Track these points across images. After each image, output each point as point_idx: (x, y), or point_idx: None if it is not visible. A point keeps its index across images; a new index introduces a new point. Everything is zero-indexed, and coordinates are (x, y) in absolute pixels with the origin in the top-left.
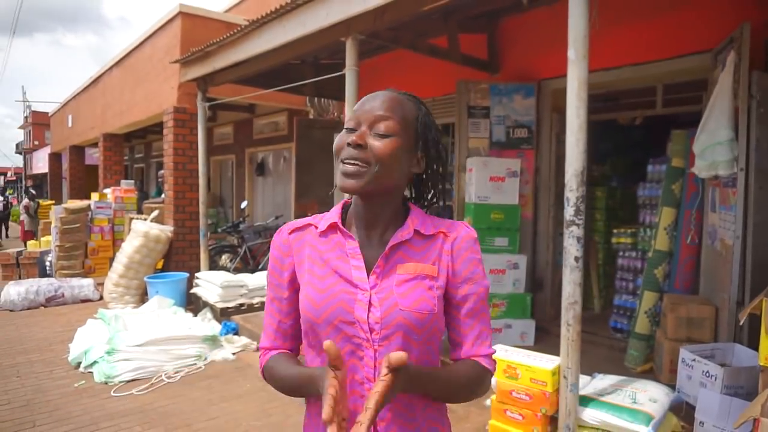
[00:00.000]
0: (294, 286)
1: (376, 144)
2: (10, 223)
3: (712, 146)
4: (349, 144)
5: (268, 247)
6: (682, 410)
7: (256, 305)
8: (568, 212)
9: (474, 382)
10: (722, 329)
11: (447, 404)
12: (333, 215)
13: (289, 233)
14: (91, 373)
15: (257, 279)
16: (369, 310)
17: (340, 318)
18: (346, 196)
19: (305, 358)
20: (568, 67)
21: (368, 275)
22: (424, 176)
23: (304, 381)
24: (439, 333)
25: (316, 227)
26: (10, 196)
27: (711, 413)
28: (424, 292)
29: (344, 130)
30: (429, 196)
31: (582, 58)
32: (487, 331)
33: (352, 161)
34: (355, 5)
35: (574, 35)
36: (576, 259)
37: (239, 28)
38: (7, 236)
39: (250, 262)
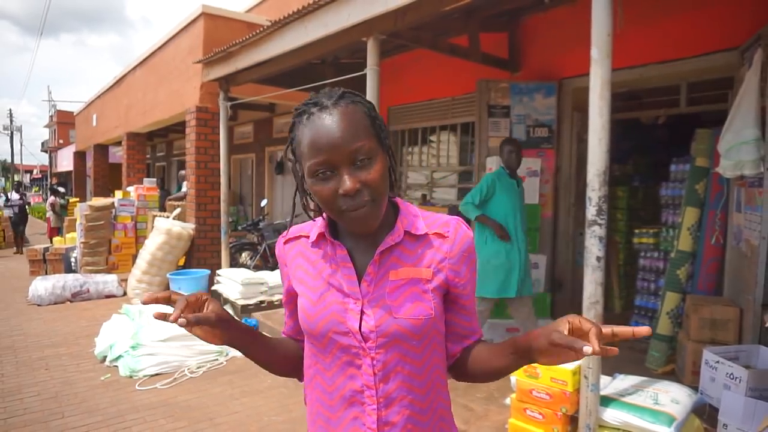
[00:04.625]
0: (292, 293)
1: (367, 176)
2: (30, 225)
3: (738, 145)
4: (345, 194)
5: None
6: (705, 412)
7: (276, 302)
8: (590, 212)
9: None
10: (747, 331)
11: (453, 405)
12: (322, 223)
13: (284, 243)
14: (117, 366)
15: (277, 277)
16: (361, 320)
17: (334, 329)
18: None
19: (305, 362)
20: (591, 66)
21: (360, 283)
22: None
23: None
24: (440, 334)
25: (308, 237)
26: (29, 195)
27: (735, 416)
28: (419, 297)
29: (314, 178)
30: (396, 181)
31: (605, 57)
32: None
33: (359, 207)
34: (376, 6)
35: (597, 34)
36: (598, 258)
37: (262, 29)
38: (21, 250)
39: (270, 260)
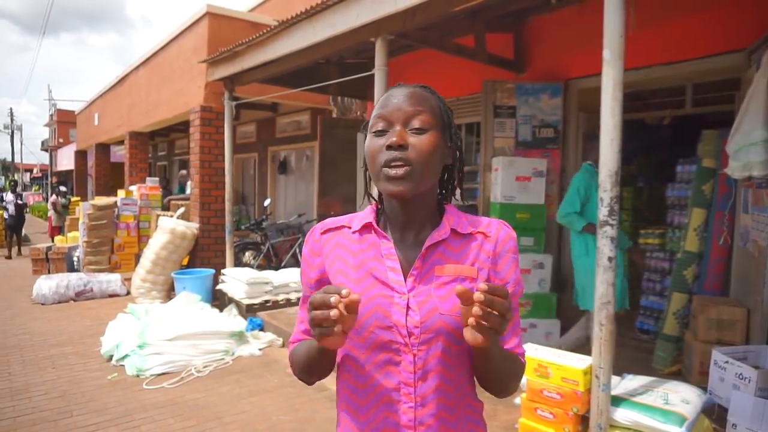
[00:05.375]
0: (321, 287)
1: (416, 141)
2: (31, 224)
3: (747, 147)
4: (390, 146)
5: (291, 245)
6: (714, 412)
7: (281, 302)
8: (602, 212)
9: (519, 371)
10: (754, 332)
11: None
12: (367, 215)
13: (322, 233)
14: (123, 366)
15: (282, 276)
16: (407, 314)
17: (377, 323)
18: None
19: (337, 359)
20: (603, 67)
21: (404, 277)
22: (451, 167)
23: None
24: None
25: (350, 228)
26: (26, 195)
27: (744, 416)
28: None
29: (372, 134)
30: (455, 187)
31: (617, 59)
32: (519, 331)
33: (397, 163)
34: (385, 6)
35: (610, 35)
36: (609, 259)
37: (269, 29)
38: (19, 251)
39: (273, 260)
